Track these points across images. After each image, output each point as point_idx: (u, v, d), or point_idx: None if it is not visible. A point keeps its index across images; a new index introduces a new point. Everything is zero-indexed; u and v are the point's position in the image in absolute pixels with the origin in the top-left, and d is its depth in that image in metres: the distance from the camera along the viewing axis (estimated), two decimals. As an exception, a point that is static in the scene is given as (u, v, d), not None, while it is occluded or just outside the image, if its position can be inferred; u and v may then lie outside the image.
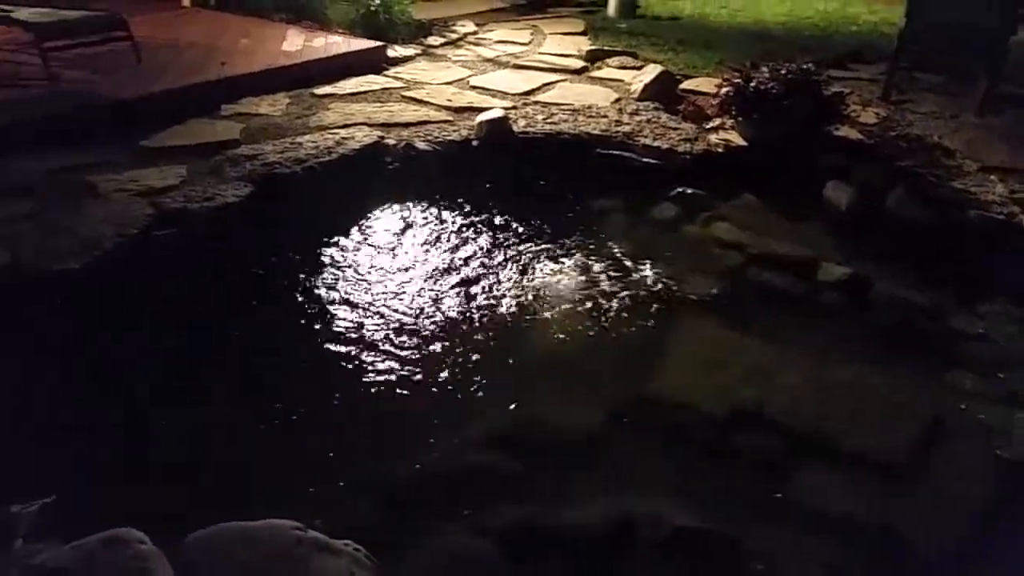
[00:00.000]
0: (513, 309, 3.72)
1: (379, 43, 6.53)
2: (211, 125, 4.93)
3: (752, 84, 5.15)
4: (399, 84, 5.99)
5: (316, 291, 3.77)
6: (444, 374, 3.26)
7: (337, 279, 3.87)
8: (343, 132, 4.89)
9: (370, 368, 3.28)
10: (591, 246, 4.29)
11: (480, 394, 3.16)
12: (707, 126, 5.47)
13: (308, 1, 7.04)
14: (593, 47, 7.12)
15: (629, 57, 6.92)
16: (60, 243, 3.52)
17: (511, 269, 4.04)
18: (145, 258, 3.58)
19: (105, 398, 2.97)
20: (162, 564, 2.03)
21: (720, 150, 5.15)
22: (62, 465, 2.54)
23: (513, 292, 3.85)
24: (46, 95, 4.94)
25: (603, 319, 3.68)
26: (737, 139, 5.25)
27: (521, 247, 4.24)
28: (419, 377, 3.24)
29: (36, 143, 4.37)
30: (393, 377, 3.23)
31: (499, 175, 4.86)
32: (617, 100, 5.88)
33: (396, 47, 6.75)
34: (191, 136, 4.73)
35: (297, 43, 6.34)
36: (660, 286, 3.94)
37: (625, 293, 3.87)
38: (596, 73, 6.57)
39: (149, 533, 2.07)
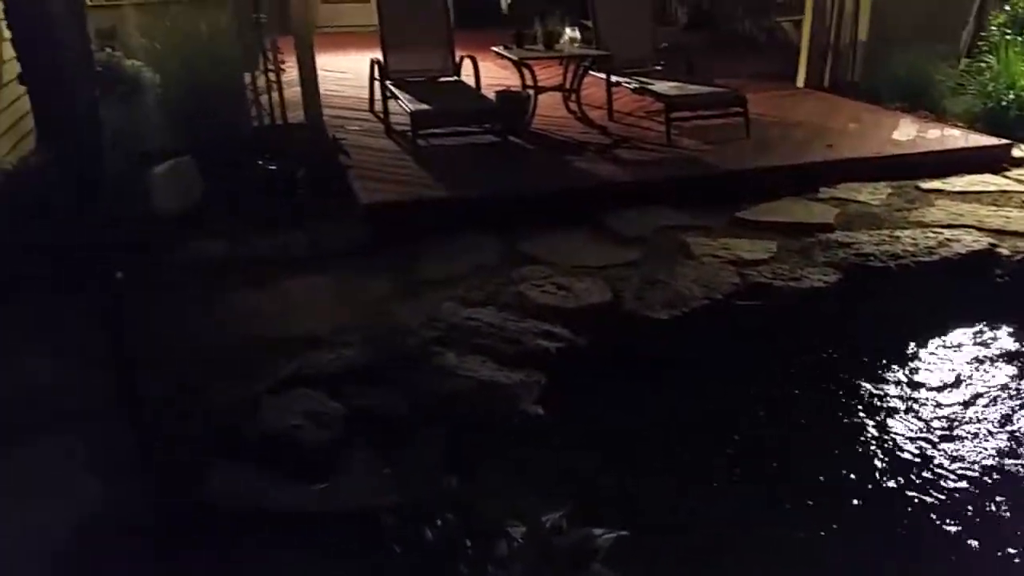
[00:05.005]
0: None
1: (1003, 141, 5.85)
2: (806, 206, 4.96)
3: None
4: (1022, 188, 5.28)
5: (882, 402, 3.46)
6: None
7: (909, 396, 3.49)
8: (947, 233, 4.48)
9: (926, 516, 2.88)
10: None
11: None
12: None
13: (927, 91, 6.66)
14: None
15: None
16: (655, 293, 3.88)
17: None
18: (726, 323, 3.73)
19: (669, 448, 3.15)
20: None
21: None
22: (640, 499, 2.76)
23: None
24: (665, 159, 5.53)
25: None
26: None
27: None
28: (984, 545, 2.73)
29: (650, 200, 4.91)
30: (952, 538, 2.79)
31: None
32: None
33: (1023, 146, 5.97)
34: (785, 214, 4.82)
35: (908, 133, 6.04)
36: None
37: None
38: None
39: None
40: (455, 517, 2.09)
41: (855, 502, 2.93)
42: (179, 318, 3.52)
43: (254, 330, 3.47)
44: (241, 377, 3.09)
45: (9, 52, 4.49)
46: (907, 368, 3.70)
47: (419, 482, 2.39)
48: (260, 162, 4.78)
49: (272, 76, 5.34)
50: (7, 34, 4.08)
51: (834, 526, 2.79)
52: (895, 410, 3.42)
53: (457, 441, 2.78)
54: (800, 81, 7.63)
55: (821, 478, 3.04)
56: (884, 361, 3.74)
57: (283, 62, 5.51)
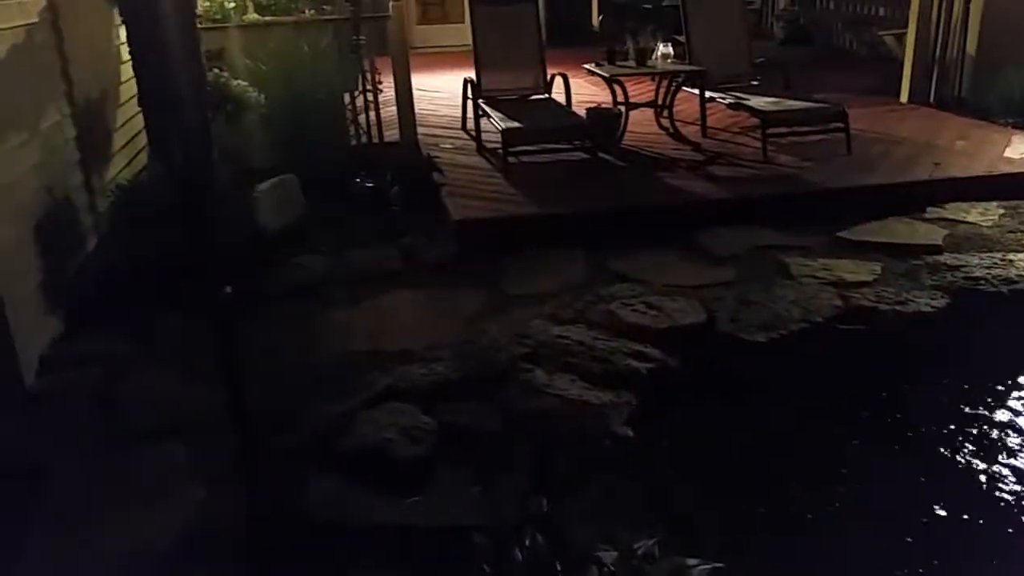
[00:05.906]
0: None
1: None
2: (911, 226, 4.75)
3: None
4: None
5: (989, 436, 3.23)
6: None
7: (1019, 429, 3.27)
8: (1066, 257, 4.22)
9: None
10: None
11: None
12: None
13: (1044, 105, 6.31)
14: None
15: None
16: (751, 315, 3.78)
17: None
18: (827, 348, 3.60)
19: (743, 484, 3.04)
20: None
21: None
22: (731, 524, 2.67)
23: None
24: (761, 176, 5.40)
25: None
26: None
27: None
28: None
29: (745, 218, 4.79)
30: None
31: None
32: None
33: None
34: (889, 234, 4.63)
35: (1022, 150, 5.72)
36: None
37: None
38: None
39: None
40: (544, 539, 2.07)
41: (958, 544, 2.76)
42: (281, 332, 3.64)
43: (350, 344, 3.55)
44: (337, 391, 3.16)
45: (126, 73, 4.78)
46: (1018, 401, 3.48)
47: (508, 501, 2.38)
48: (357, 180, 4.91)
49: (370, 96, 5.49)
50: (126, 57, 4.33)
51: (935, 561, 2.64)
52: (1004, 446, 3.21)
53: (546, 460, 2.76)
54: (904, 96, 7.33)
55: (924, 519, 2.88)
56: (995, 392, 3.51)
57: (380, 82, 5.66)
